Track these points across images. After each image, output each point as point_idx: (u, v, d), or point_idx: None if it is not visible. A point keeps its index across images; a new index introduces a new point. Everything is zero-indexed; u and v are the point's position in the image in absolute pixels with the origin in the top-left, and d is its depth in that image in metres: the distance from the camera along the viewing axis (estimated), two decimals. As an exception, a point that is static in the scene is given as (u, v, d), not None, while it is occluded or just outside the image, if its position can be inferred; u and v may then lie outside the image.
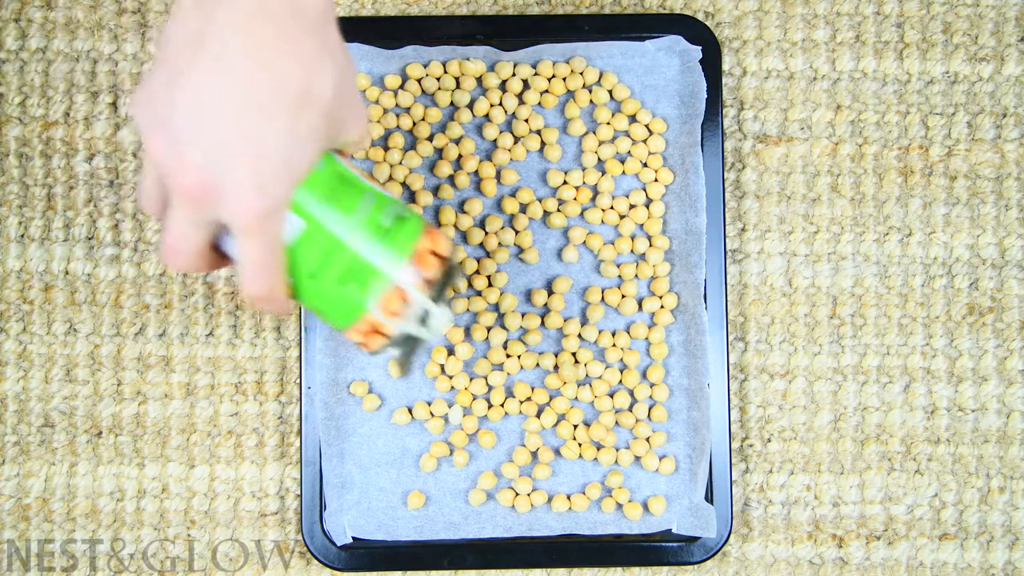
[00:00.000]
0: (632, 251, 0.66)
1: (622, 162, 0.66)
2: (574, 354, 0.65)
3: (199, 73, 0.40)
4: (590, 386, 0.65)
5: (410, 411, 0.65)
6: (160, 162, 0.41)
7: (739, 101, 0.68)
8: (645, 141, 0.66)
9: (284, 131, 0.41)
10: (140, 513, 0.65)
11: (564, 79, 0.66)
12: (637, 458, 0.65)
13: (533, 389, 0.65)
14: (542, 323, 0.65)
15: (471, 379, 0.65)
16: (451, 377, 0.65)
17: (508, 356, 0.65)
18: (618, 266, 0.66)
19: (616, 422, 0.65)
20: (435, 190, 0.66)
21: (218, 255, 0.47)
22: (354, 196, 0.47)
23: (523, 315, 0.65)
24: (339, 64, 0.43)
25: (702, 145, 0.65)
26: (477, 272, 0.65)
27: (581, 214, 0.66)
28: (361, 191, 0.47)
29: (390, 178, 0.65)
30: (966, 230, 0.68)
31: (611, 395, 0.65)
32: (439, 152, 0.66)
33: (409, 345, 0.50)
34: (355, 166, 0.49)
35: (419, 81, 0.66)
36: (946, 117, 0.68)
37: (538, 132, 0.66)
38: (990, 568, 0.66)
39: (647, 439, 0.65)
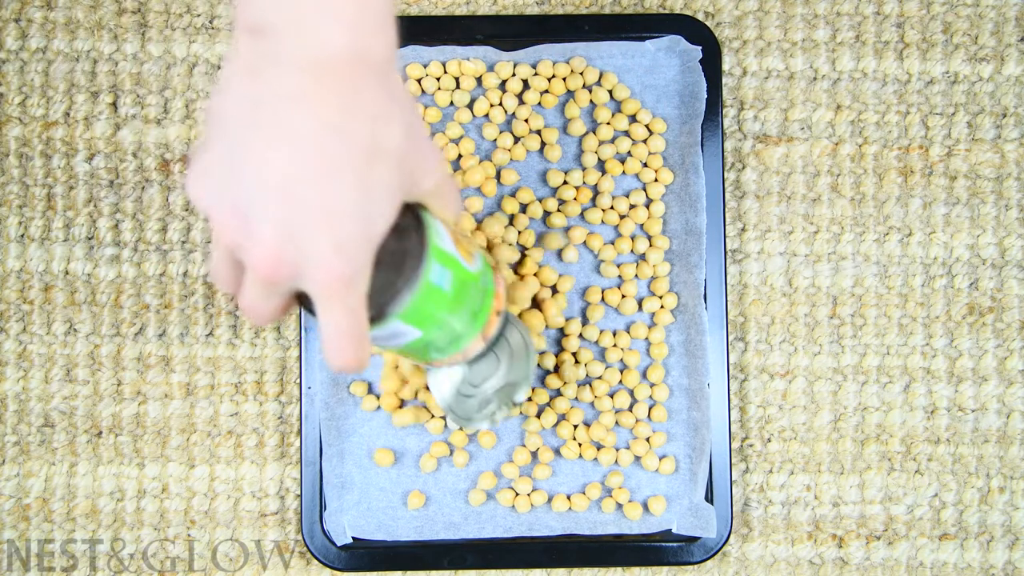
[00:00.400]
0: (632, 251, 0.66)
1: (622, 162, 0.66)
2: (574, 354, 0.65)
3: (261, 143, 0.38)
4: (590, 386, 0.65)
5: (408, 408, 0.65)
6: (231, 242, 0.39)
7: (739, 101, 0.68)
8: (645, 141, 0.66)
9: (357, 191, 0.39)
10: (140, 513, 0.65)
11: (564, 79, 0.66)
12: (637, 458, 0.65)
13: (533, 389, 0.65)
14: (545, 326, 0.65)
15: (471, 379, 0.65)
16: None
17: (508, 356, 0.65)
18: (618, 266, 0.66)
19: (616, 422, 0.65)
20: (435, 190, 0.66)
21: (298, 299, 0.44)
22: (462, 297, 0.48)
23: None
24: (406, 111, 0.41)
25: (702, 145, 0.65)
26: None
27: (581, 214, 0.66)
28: (466, 286, 0.48)
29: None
30: (966, 230, 0.68)
31: (611, 395, 0.65)
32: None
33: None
34: (449, 231, 0.48)
35: (419, 81, 0.66)
36: (946, 117, 0.68)
37: (538, 132, 0.66)
38: (990, 568, 0.66)
39: (647, 439, 0.65)
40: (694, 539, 0.64)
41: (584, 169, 0.66)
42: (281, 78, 0.38)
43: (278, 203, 0.38)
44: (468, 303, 0.49)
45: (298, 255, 0.39)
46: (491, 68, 0.66)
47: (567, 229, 0.66)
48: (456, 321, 0.49)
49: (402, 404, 0.65)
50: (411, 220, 0.45)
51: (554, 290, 0.66)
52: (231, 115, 0.38)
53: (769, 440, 0.66)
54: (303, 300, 0.44)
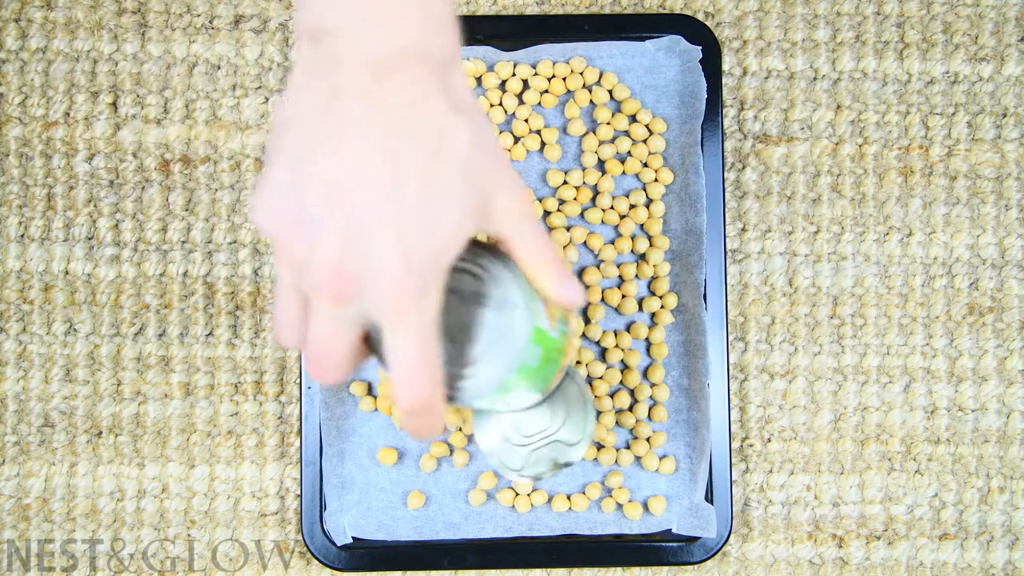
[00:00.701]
0: (632, 251, 0.66)
1: (622, 162, 0.66)
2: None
3: (323, 146, 0.36)
4: (590, 386, 0.65)
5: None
6: (294, 262, 0.37)
7: (739, 101, 0.68)
8: (645, 141, 0.66)
9: (420, 193, 0.36)
10: (140, 513, 0.65)
11: (564, 79, 0.66)
12: (637, 458, 0.65)
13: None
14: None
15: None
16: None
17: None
18: (618, 266, 0.66)
19: (616, 422, 0.65)
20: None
21: (367, 347, 0.42)
22: (544, 369, 0.45)
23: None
24: (471, 113, 0.39)
25: (702, 145, 0.65)
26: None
27: (581, 214, 0.66)
28: (550, 358, 0.45)
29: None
30: (966, 230, 0.68)
31: (611, 395, 0.65)
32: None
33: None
34: (554, 324, 0.45)
35: (419, 81, 0.66)
36: (946, 117, 0.68)
37: (538, 132, 0.66)
38: (990, 568, 0.66)
39: (647, 439, 0.65)
40: (694, 539, 0.64)
41: (584, 169, 0.66)
42: (342, 77, 0.36)
43: (339, 208, 0.36)
44: (546, 372, 0.45)
45: (362, 267, 0.36)
46: (491, 68, 0.66)
47: (567, 229, 0.66)
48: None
49: None
50: (514, 294, 0.41)
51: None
52: (294, 123, 0.37)
53: (769, 440, 0.66)
54: (372, 346, 0.41)
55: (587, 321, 0.65)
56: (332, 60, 0.37)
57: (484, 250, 0.43)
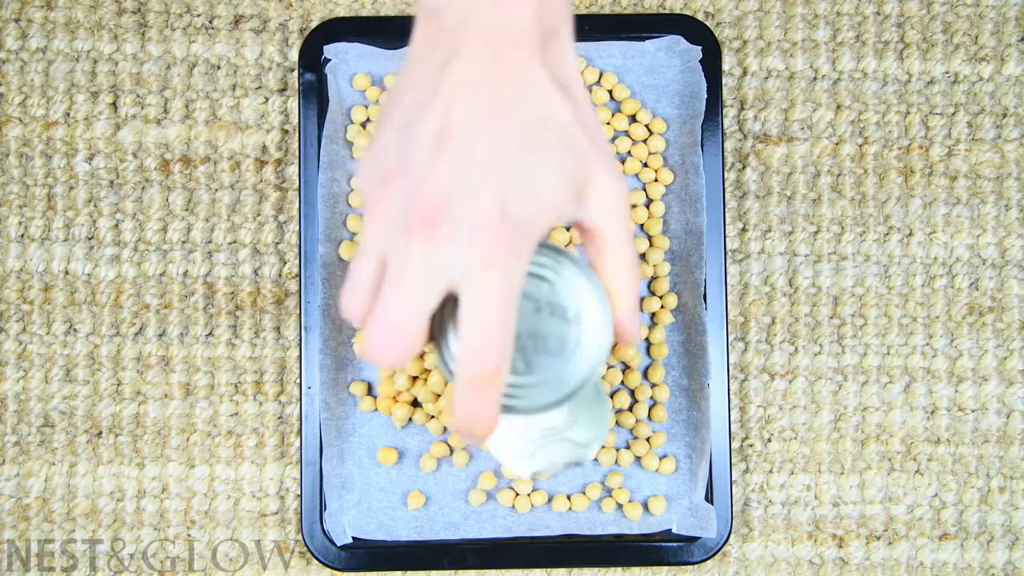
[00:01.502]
0: (632, 251, 0.66)
1: (622, 162, 0.66)
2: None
3: (437, 111, 0.37)
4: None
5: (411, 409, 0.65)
6: (390, 214, 0.37)
7: (739, 101, 0.68)
8: (645, 141, 0.66)
9: (524, 153, 0.37)
10: (140, 513, 0.65)
11: (564, 79, 0.66)
12: (637, 458, 0.65)
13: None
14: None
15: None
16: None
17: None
18: (618, 266, 0.66)
19: (616, 422, 0.65)
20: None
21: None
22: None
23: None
24: (576, 94, 0.39)
25: (702, 145, 0.65)
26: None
27: (581, 214, 0.66)
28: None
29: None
30: (966, 230, 0.68)
31: (611, 395, 0.65)
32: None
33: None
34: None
35: (419, 81, 0.66)
36: (946, 117, 0.68)
37: (538, 132, 0.66)
38: (990, 568, 0.66)
39: (647, 439, 0.65)
40: (694, 539, 0.64)
41: (584, 169, 0.66)
42: (460, 44, 0.37)
43: (445, 157, 0.36)
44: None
45: (461, 211, 0.36)
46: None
47: (568, 229, 0.66)
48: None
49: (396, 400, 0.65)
50: (591, 306, 0.40)
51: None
52: (408, 89, 0.38)
53: (769, 440, 0.66)
54: (435, 330, 0.40)
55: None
56: (451, 32, 0.38)
57: (559, 253, 0.41)
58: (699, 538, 0.64)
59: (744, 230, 0.67)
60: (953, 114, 0.68)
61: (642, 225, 0.66)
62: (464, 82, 0.37)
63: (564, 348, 0.40)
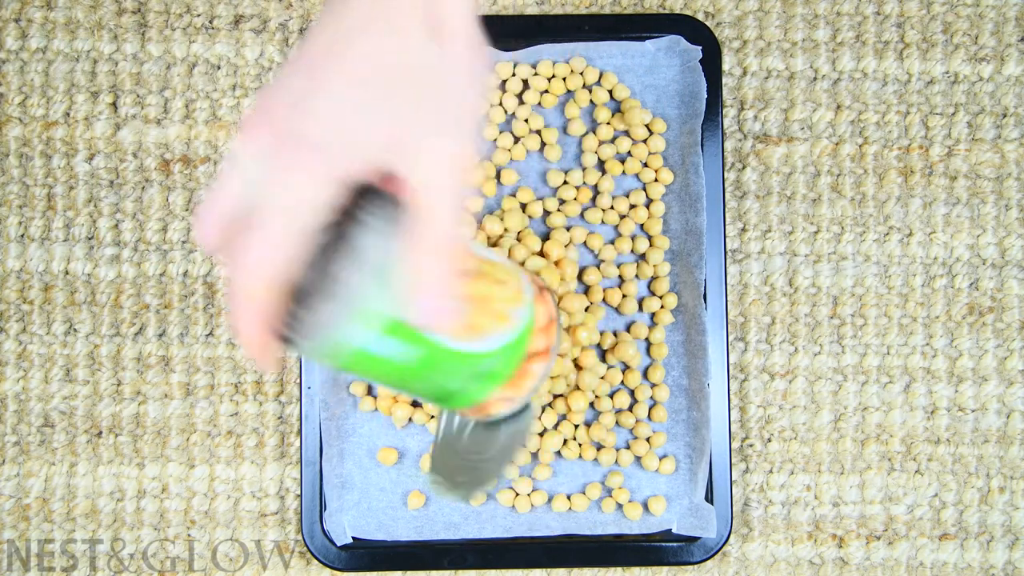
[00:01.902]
0: (632, 251, 0.66)
1: (622, 162, 0.66)
2: (575, 360, 0.65)
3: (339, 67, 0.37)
4: (591, 385, 0.65)
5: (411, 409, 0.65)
6: (278, 135, 0.36)
7: (739, 101, 0.68)
8: (645, 141, 0.66)
9: (358, 88, 0.37)
10: (140, 513, 0.65)
11: (564, 79, 0.66)
12: (637, 458, 0.65)
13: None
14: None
15: (471, 379, 0.65)
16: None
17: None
18: (618, 266, 0.66)
19: (616, 422, 0.65)
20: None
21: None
22: (434, 373, 0.42)
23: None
24: (443, 35, 0.41)
25: (702, 145, 0.65)
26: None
27: (581, 214, 0.66)
28: (441, 365, 0.42)
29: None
30: (966, 230, 0.68)
31: (611, 395, 0.65)
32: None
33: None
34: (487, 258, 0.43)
35: (419, 81, 0.66)
36: (946, 117, 0.68)
37: (538, 132, 0.66)
38: (990, 568, 0.66)
39: (647, 439, 0.65)
40: (694, 539, 0.64)
41: (584, 169, 0.66)
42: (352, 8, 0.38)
43: (318, 87, 0.36)
44: (444, 378, 0.42)
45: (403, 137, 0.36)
46: (491, 68, 0.66)
47: (567, 229, 0.66)
48: (427, 385, 0.42)
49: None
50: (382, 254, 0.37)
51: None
52: (306, 54, 0.38)
53: (769, 440, 0.66)
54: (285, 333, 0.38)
55: (574, 329, 0.65)
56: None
57: (400, 211, 0.38)
58: (699, 538, 0.64)
59: (744, 230, 0.67)
60: (953, 114, 0.68)
61: (642, 225, 0.66)
62: (356, 26, 0.37)
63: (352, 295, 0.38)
